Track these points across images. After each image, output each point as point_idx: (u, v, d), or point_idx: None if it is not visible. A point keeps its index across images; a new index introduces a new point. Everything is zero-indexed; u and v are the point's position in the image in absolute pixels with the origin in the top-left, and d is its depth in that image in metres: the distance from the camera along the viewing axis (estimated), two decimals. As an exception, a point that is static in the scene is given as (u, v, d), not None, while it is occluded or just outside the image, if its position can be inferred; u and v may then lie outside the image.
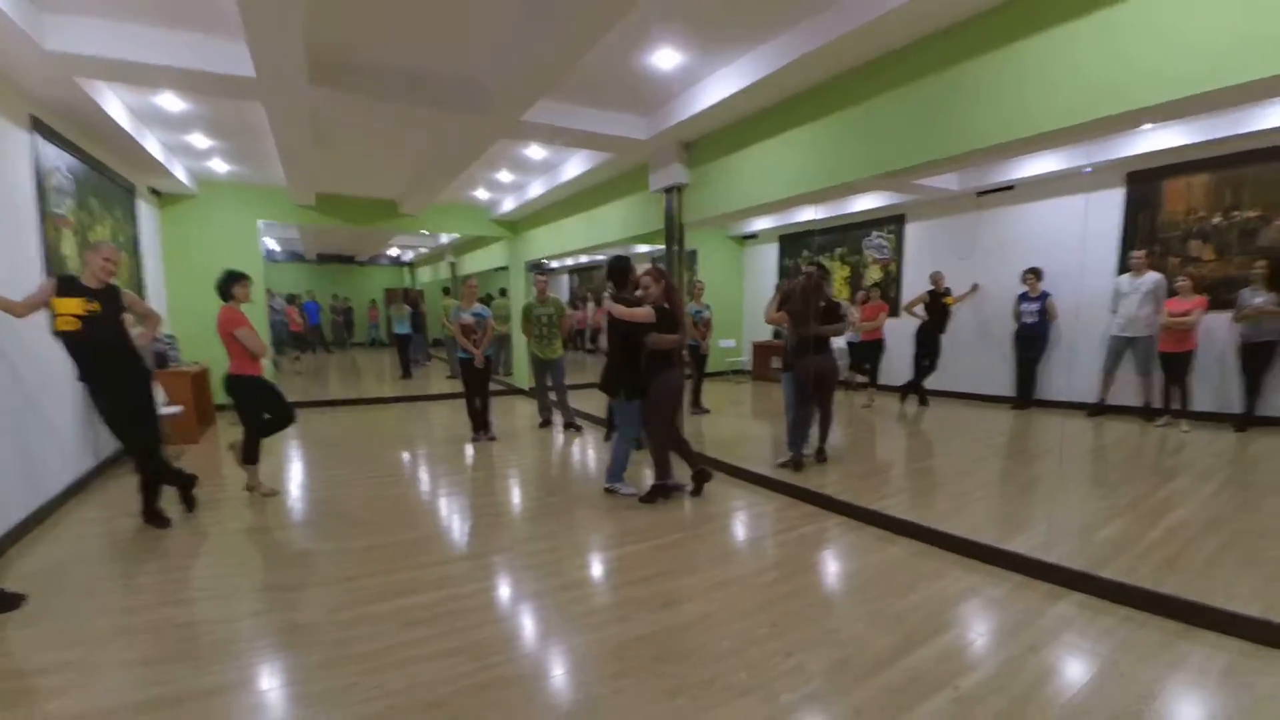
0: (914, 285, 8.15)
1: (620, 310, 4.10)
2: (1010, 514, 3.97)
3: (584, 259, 11.75)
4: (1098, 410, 6.43)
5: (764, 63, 4.13)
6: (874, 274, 8.92)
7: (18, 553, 3.43)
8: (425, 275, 18.91)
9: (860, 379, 7.89)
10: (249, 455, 4.40)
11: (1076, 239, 6.07)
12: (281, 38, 3.31)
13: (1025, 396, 7.09)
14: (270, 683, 2.30)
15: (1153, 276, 5.93)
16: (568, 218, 8.38)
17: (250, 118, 5.40)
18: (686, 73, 4.51)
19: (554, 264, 11.91)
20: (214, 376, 7.12)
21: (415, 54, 4.11)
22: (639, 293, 4.25)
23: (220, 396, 7.48)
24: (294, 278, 18.29)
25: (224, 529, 3.88)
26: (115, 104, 4.89)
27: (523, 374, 9.57)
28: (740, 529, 3.93)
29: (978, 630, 2.61)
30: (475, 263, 12.50)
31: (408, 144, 6.15)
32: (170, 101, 5.06)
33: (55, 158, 4.57)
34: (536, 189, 8.09)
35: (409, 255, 18.71)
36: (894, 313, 8.17)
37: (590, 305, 13.03)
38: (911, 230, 8.47)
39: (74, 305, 3.46)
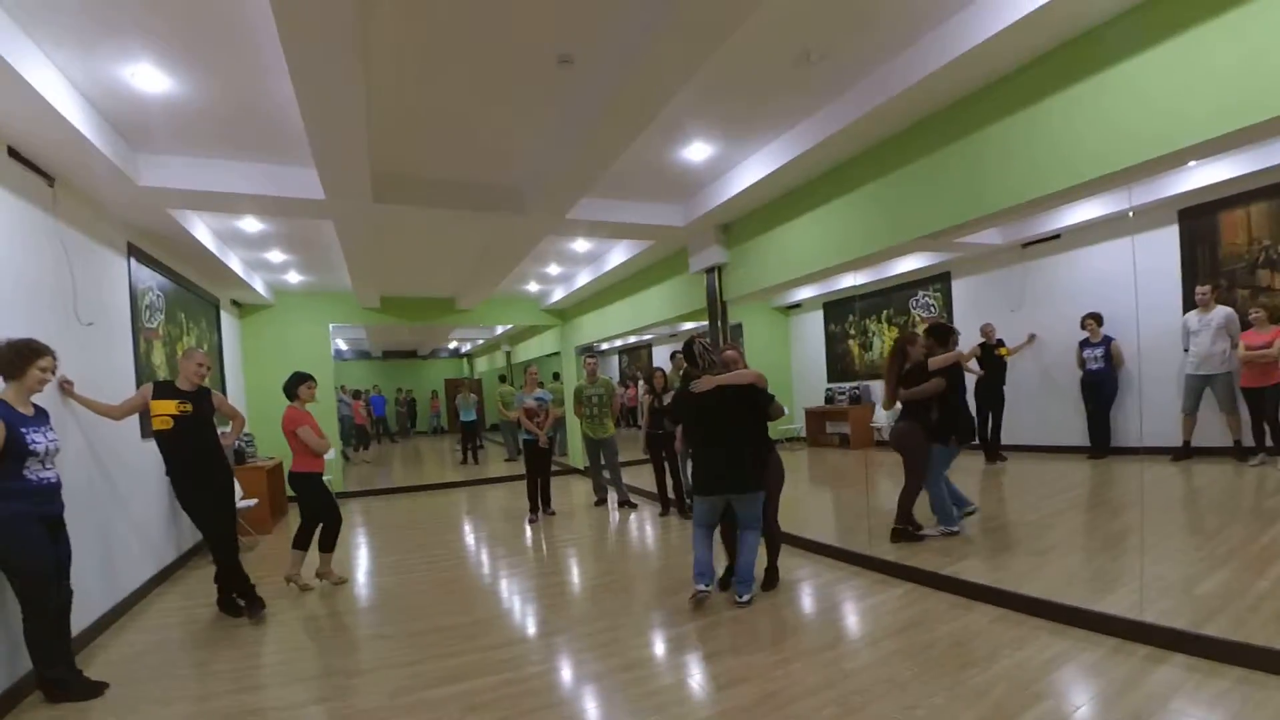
0: (966, 341, 7.97)
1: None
2: (1098, 571, 3.71)
3: (631, 339, 11.99)
4: (1183, 454, 6.01)
5: (793, 145, 4.31)
6: (924, 333, 8.78)
7: (103, 642, 3.59)
8: (482, 365, 19.57)
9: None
10: (299, 542, 4.49)
11: (1128, 283, 5.90)
12: (347, 162, 3.69)
13: (1101, 445, 6.70)
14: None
15: (1222, 311, 5.67)
16: (614, 303, 8.67)
17: (320, 233, 5.89)
18: (718, 161, 4.74)
19: (603, 346, 12.17)
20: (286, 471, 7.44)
21: (466, 167, 4.47)
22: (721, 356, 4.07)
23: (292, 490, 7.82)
24: (362, 373, 19.24)
25: (291, 616, 3.98)
26: (201, 228, 5.42)
27: (577, 454, 9.65)
28: (803, 601, 3.78)
29: (1073, 701, 2.41)
30: (528, 350, 12.92)
31: (463, 246, 6.54)
32: (250, 224, 5.58)
33: (148, 278, 5.05)
34: (583, 278, 8.43)
35: (466, 346, 19.44)
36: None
37: (641, 384, 13.17)
38: (958, 286, 8.36)
39: (169, 406, 3.76)
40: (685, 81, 3.09)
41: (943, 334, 4.54)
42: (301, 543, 4.52)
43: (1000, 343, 7.09)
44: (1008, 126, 3.39)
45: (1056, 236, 6.89)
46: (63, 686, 2.85)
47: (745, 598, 3.61)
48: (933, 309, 8.70)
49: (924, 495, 4.56)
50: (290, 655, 3.39)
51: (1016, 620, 3.15)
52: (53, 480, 2.87)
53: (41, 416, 2.90)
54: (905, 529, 4.50)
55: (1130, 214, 5.85)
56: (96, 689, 2.92)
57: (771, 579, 3.95)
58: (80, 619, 3.27)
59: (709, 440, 3.64)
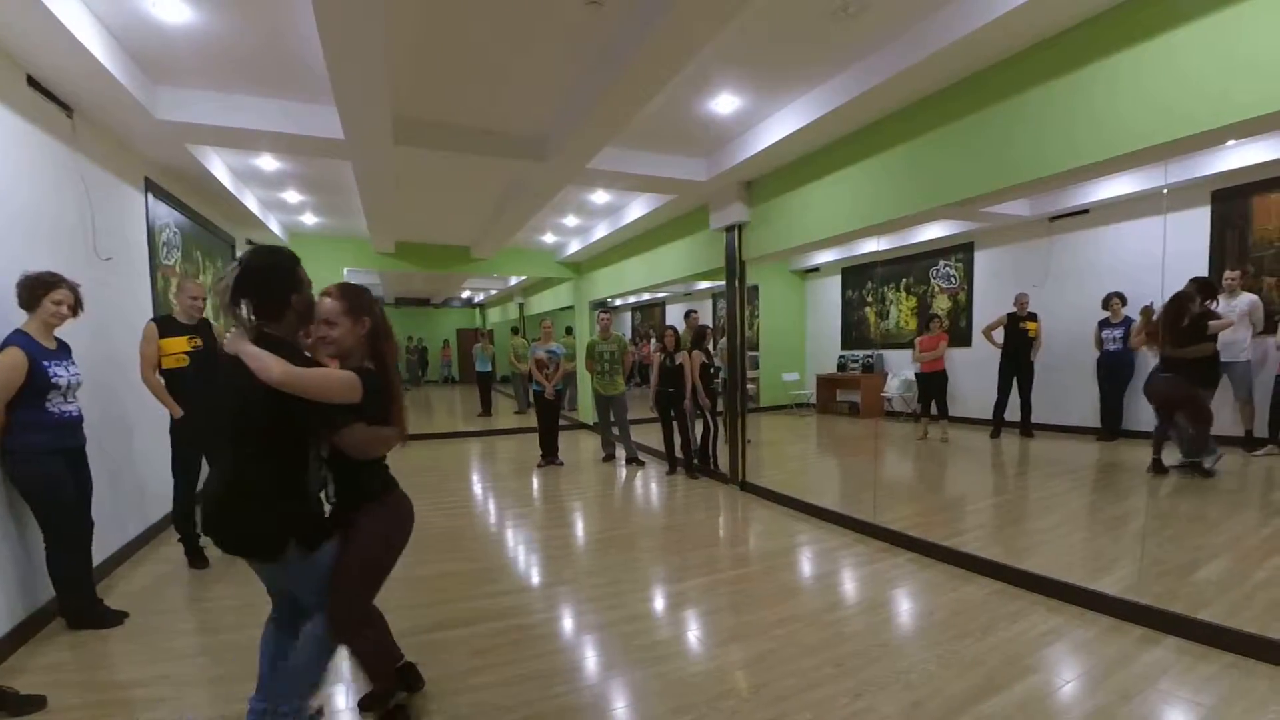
0: (984, 315, 7.88)
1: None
2: (1099, 551, 3.74)
3: (645, 296, 11.93)
4: (1195, 442, 5.97)
5: (823, 102, 4.17)
6: (942, 304, 8.67)
7: (122, 573, 3.73)
8: (495, 316, 19.59)
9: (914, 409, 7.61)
10: None
11: (1159, 262, 5.77)
12: (367, 102, 3.61)
13: (1112, 427, 6.65)
14: (342, 704, 2.40)
15: (1248, 298, 5.54)
16: (631, 258, 8.59)
17: (338, 174, 5.83)
18: (746, 115, 4.60)
19: (617, 302, 12.13)
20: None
21: (488, 111, 4.37)
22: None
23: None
24: (374, 321, 19.27)
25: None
26: (219, 165, 5.39)
27: (586, 409, 9.73)
28: (805, 565, 3.84)
29: (1064, 675, 2.46)
30: (542, 303, 12.89)
31: (482, 193, 6.47)
32: (267, 162, 5.53)
33: (165, 215, 5.05)
34: (601, 231, 8.34)
35: (480, 297, 19.44)
36: (965, 342, 7.90)
37: (653, 341, 13.16)
38: (981, 258, 8.22)
39: (181, 344, 3.77)
40: (720, 28, 2.97)
41: (1208, 288, 4.61)
42: None
43: (1031, 316, 6.98)
44: (1048, 92, 3.25)
45: (1085, 211, 6.72)
46: (83, 614, 2.98)
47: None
48: (953, 279, 8.57)
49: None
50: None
51: (1014, 594, 3.20)
52: (74, 414, 2.93)
53: (64, 350, 2.94)
54: (1198, 462, 4.71)
55: (1165, 191, 5.68)
56: (116, 618, 3.05)
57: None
58: (101, 550, 3.37)
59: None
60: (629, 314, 16.57)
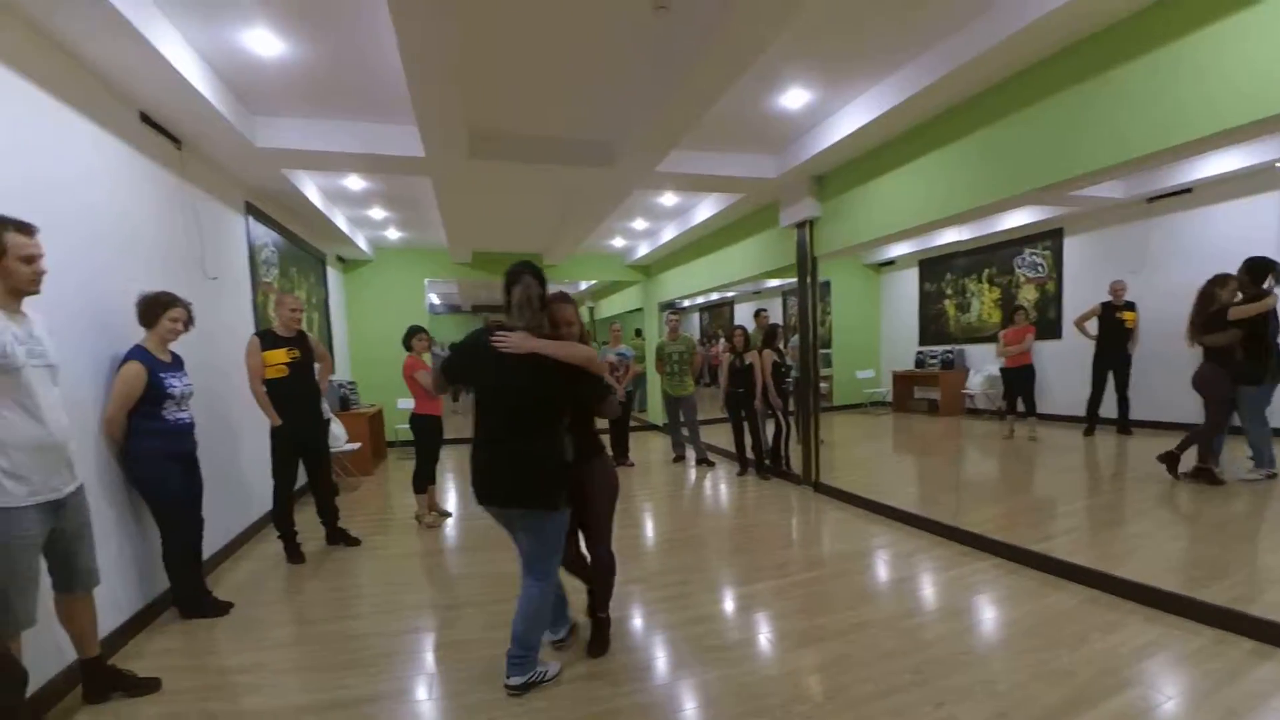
0: (1075, 305, 7.41)
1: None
2: (1204, 558, 3.46)
3: (714, 296, 11.88)
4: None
5: (897, 90, 4.04)
6: (1028, 294, 8.22)
7: (228, 566, 4.04)
8: (566, 319, 19.95)
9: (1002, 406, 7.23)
10: (419, 485, 4.87)
11: (1272, 244, 5.27)
12: (444, 120, 3.81)
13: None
14: (425, 693, 2.52)
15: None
16: (699, 258, 8.58)
17: (417, 191, 6.12)
18: (816, 109, 4.52)
19: (685, 303, 12.14)
20: (386, 417, 7.99)
21: (557, 121, 4.49)
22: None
23: (391, 434, 8.37)
24: (452, 327, 20.06)
25: (391, 552, 4.32)
26: (311, 187, 5.75)
27: (656, 411, 9.79)
28: (881, 568, 3.74)
29: (1165, 691, 2.30)
30: (611, 306, 13.06)
31: (553, 201, 6.64)
32: (354, 182, 5.87)
33: (263, 235, 5.44)
34: (669, 233, 8.37)
35: (551, 301, 19.87)
36: (1054, 334, 7.46)
37: (721, 342, 13.10)
38: (1071, 245, 7.73)
39: (281, 355, 4.06)
40: (785, 26, 2.93)
41: (1260, 271, 4.31)
42: (420, 485, 4.88)
43: (1129, 305, 6.52)
44: (1151, 62, 3.03)
45: (1188, 190, 6.21)
46: (194, 604, 3.25)
47: (512, 682, 2.45)
48: (1040, 268, 8.12)
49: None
50: (388, 588, 3.70)
51: (1109, 603, 3.01)
52: (186, 421, 3.21)
53: (177, 363, 3.22)
54: (1206, 469, 4.49)
55: (1278, 165, 5.20)
56: (223, 608, 3.31)
57: (599, 640, 2.84)
58: (209, 545, 3.67)
59: (487, 429, 2.49)
60: (697, 315, 16.54)
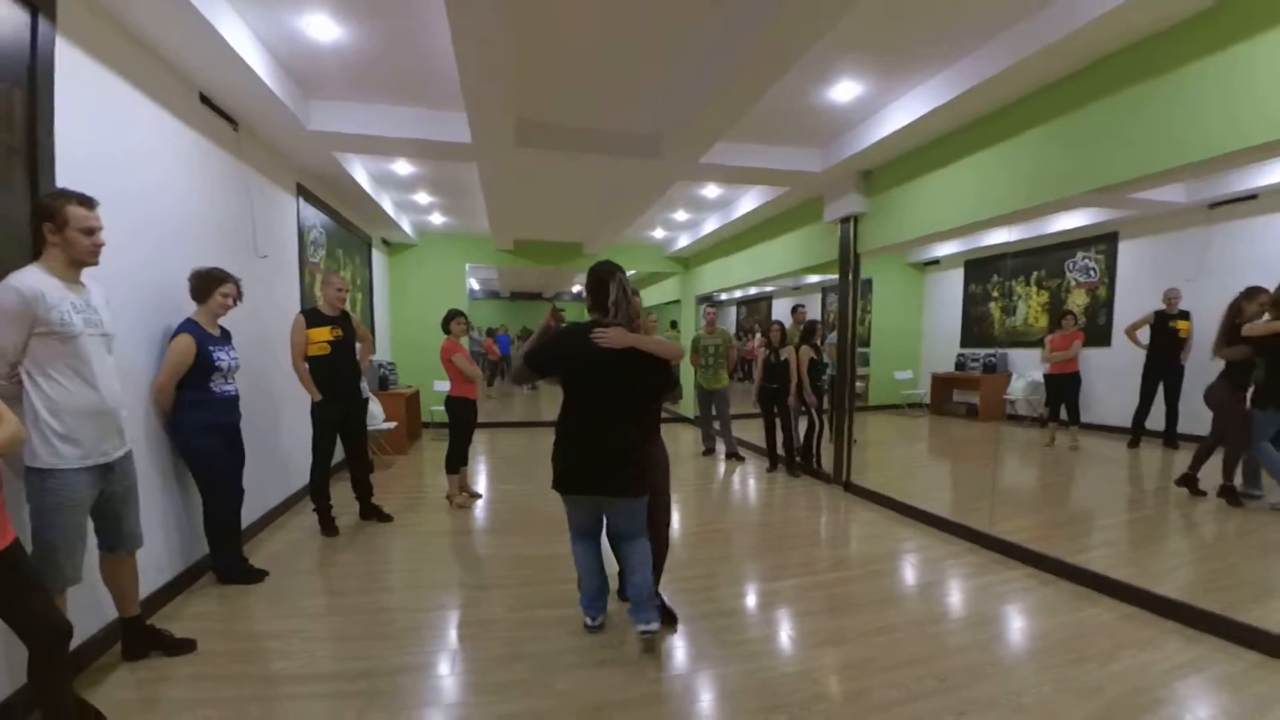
0: (1127, 312, 7.14)
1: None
2: (1248, 578, 3.33)
3: (752, 291, 11.80)
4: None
5: (951, 85, 3.93)
6: (1078, 299, 7.95)
7: (264, 537, 4.18)
8: (603, 309, 20.06)
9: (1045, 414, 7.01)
10: (452, 466, 4.97)
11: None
12: (493, 107, 3.84)
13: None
14: (448, 669, 2.59)
15: None
16: (739, 252, 8.52)
17: (463, 177, 6.21)
18: (866, 102, 4.44)
19: (723, 296, 12.08)
20: (422, 398, 8.17)
21: (603, 110, 4.50)
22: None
23: (427, 415, 8.55)
24: (490, 313, 20.38)
25: (421, 530, 4.43)
26: (360, 170, 5.88)
27: (687, 403, 9.78)
28: (909, 572, 3.69)
29: (1198, 713, 2.23)
30: (649, 297, 13.05)
31: (596, 190, 6.66)
32: (401, 166, 5.98)
33: (312, 216, 5.59)
34: (710, 225, 8.33)
35: (589, 290, 20.01)
36: (1104, 341, 7.21)
37: (758, 336, 13.00)
38: (1126, 249, 7.44)
39: (324, 333, 4.18)
40: (846, 12, 2.87)
41: None
42: (453, 466, 4.97)
43: (1183, 314, 6.26)
44: (1208, 66, 2.90)
45: (1253, 197, 5.92)
46: (231, 571, 3.38)
47: (652, 626, 2.69)
48: (1093, 273, 7.84)
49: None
50: (417, 564, 3.80)
51: (1146, 620, 2.93)
52: (232, 393, 3.33)
53: (226, 337, 3.34)
54: (1231, 486, 4.33)
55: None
56: (258, 575, 3.44)
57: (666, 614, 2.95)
58: (248, 515, 3.80)
59: (583, 420, 2.65)
60: (734, 309, 16.43)
